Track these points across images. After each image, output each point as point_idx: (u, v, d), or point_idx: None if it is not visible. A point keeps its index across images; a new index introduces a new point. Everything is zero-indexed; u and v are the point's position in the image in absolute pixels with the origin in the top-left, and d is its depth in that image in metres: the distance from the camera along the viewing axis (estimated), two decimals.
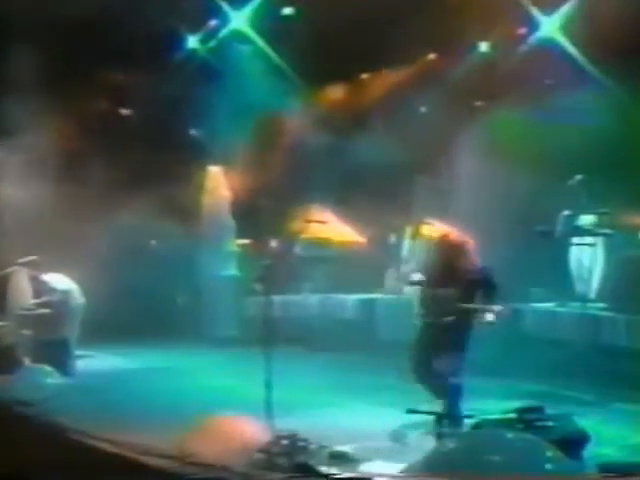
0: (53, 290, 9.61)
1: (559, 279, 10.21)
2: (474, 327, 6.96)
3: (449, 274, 6.97)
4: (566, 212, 9.95)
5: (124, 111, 14.03)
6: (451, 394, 6.69)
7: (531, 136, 10.82)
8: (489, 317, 6.82)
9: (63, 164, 12.17)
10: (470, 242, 7.11)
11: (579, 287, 10.02)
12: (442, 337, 6.84)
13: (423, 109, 12.98)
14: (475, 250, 7.11)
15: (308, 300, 12.83)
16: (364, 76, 13.50)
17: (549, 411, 5.46)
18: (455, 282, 6.91)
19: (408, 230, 12.30)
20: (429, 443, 5.20)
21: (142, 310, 12.32)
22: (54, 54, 11.29)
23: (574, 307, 9.71)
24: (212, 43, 13.38)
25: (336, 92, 13.44)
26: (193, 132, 14.33)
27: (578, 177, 9.97)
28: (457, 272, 6.94)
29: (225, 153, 13.03)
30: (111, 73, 12.77)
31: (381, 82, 13.18)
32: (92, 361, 10.64)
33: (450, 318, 6.81)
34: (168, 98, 12.82)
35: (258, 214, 13.21)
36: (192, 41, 13.39)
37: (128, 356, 11.06)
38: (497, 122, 10.99)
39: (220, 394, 8.37)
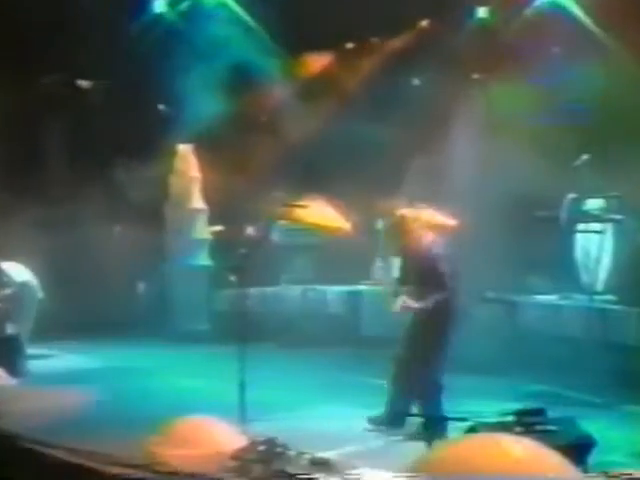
0: (8, 282, 9.51)
1: (563, 269, 10.25)
2: (449, 319, 6.97)
3: (409, 263, 7.03)
4: (571, 195, 9.98)
5: (83, 83, 13.94)
6: (428, 394, 6.73)
7: (534, 112, 10.84)
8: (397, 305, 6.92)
9: (16, 143, 12.10)
10: (448, 225, 7.16)
11: (585, 278, 10.07)
12: (414, 332, 6.87)
13: (416, 82, 12.99)
14: (452, 235, 7.15)
15: (287, 292, 12.85)
16: (350, 45, 13.48)
17: (551, 414, 5.48)
18: (413, 270, 6.96)
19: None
20: (417, 448, 5.22)
21: (103, 304, 12.30)
22: (4, 21, 11.22)
23: (579, 300, 9.77)
24: (182, 6, 13.30)
25: (319, 63, 13.41)
26: (160, 106, 14.27)
27: (585, 156, 10.00)
28: (414, 260, 6.98)
29: (196, 130, 12.98)
30: (68, 40, 12.67)
31: (369, 52, 13.17)
32: (47, 360, 10.60)
33: (418, 310, 6.82)
34: (132, 68, 12.74)
35: (232, 197, 13.18)
36: (159, 4, 13.30)
37: (88, 354, 11.04)
38: (497, 96, 11.01)
39: (189, 395, 8.37)
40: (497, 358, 8.96)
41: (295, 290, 12.76)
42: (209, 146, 12.95)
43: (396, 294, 7.14)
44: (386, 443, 6.51)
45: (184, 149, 13.47)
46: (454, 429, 5.16)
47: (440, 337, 6.95)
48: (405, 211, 7.27)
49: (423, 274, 6.97)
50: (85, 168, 12.78)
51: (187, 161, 13.46)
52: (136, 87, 12.91)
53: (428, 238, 7.11)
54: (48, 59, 12.69)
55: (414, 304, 7.01)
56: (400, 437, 6.54)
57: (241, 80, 12.93)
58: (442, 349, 6.94)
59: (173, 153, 13.43)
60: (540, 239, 9.98)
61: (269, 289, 12.85)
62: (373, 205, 12.39)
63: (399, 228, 7.16)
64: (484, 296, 10.41)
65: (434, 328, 6.93)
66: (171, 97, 13.50)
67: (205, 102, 12.67)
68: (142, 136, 12.84)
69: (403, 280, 7.25)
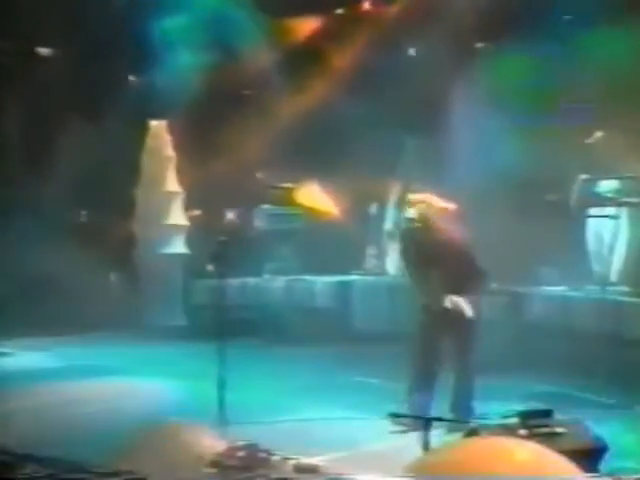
0: None
1: (574, 258, 10.31)
2: (470, 315, 7.04)
3: (428, 252, 7.05)
4: (583, 176, 10.01)
5: (44, 51, 13.89)
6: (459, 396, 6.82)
7: (542, 85, 10.85)
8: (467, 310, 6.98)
9: None
10: (449, 210, 7.20)
11: (597, 267, 10.13)
12: (437, 329, 6.94)
13: (412, 52, 12.98)
14: (458, 220, 7.20)
15: (271, 283, 12.89)
16: (339, 11, 13.47)
17: (559, 415, 5.52)
18: (435, 262, 7.00)
19: (393, 199, 12.34)
20: (413, 454, 5.26)
21: (68, 297, 12.28)
22: None
23: (591, 291, 9.82)
24: None
25: (305, 30, 13.39)
26: (130, 78, 14.24)
27: (598, 134, 10.03)
28: (436, 249, 7.02)
29: (170, 105, 12.97)
30: (24, 3, 12.60)
31: (360, 18, 13.16)
32: (5, 359, 10.60)
33: (442, 306, 6.89)
34: (98, 36, 12.69)
35: (211, 179, 13.18)
36: None
37: (50, 352, 11.03)
38: (501, 67, 11.01)
39: (164, 397, 8.39)
40: (500, 355, 8.97)
41: (280, 281, 12.80)
42: (185, 122, 12.91)
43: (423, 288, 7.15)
44: (379, 448, 6.55)
45: (157, 125, 13.45)
46: (453, 432, 5.20)
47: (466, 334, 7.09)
48: (428, 197, 7.33)
49: (459, 264, 7.02)
50: (44, 145, 12.73)
51: (160, 139, 13.44)
52: (103, 55, 12.86)
53: (452, 220, 7.18)
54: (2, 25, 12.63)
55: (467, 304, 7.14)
56: (394, 442, 6.57)
57: (220, 45, 12.89)
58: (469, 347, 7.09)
59: (145, 130, 13.42)
60: (549, 225, 10.02)
61: (251, 280, 12.89)
62: (366, 188, 12.43)
63: (426, 216, 7.19)
64: (488, 288, 10.45)
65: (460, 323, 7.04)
66: (142, 66, 13.48)
67: (180, 71, 12.65)
68: (110, 111, 12.81)
69: (422, 272, 7.23)
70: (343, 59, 13.02)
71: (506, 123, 10.41)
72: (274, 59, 13.23)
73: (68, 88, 12.96)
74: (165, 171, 13.39)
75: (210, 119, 12.92)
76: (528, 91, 10.79)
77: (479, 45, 12.21)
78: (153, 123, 13.43)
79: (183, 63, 12.77)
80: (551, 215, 10.02)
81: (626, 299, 9.38)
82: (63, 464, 4.82)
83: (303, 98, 12.65)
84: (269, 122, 12.67)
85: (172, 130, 13.34)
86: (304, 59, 13.11)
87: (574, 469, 4.42)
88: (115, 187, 12.92)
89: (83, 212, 14.00)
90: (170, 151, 13.42)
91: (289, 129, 12.47)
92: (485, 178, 10.14)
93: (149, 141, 13.47)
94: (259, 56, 13.21)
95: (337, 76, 12.67)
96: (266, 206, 13.32)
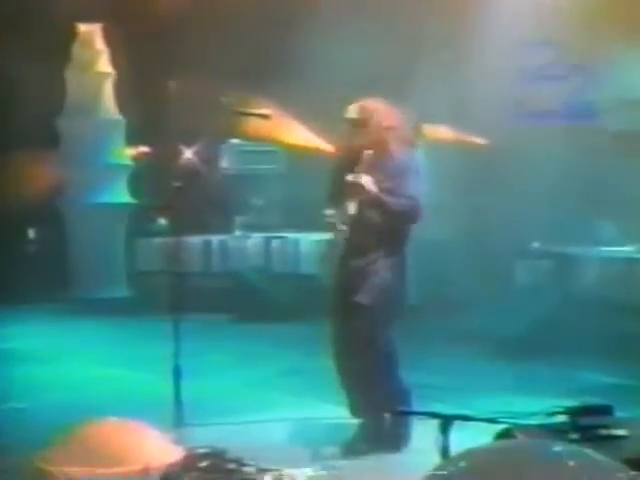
0: None
1: None
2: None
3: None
4: None
5: None
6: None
7: None
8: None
9: None
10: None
11: None
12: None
13: None
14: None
15: (243, 242, 12.89)
16: None
17: (620, 413, 5.53)
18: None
19: None
20: (427, 461, 5.25)
21: None
22: None
23: None
24: None
25: None
26: None
27: None
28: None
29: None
30: None
31: None
32: None
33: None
34: None
35: (162, 103, 13.10)
36: None
37: None
38: None
39: (101, 389, 8.36)
40: (543, 336, 9.03)
41: (254, 239, 12.80)
42: (126, 26, 12.82)
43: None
44: (376, 455, 6.56)
45: (87, 30, 13.35)
46: (481, 434, 5.18)
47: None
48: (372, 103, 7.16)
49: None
50: None
51: (92, 49, 13.35)
52: None
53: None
54: None
55: None
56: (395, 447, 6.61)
57: None
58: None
59: (71, 36, 13.31)
60: (611, 166, 10.03)
61: (216, 238, 12.91)
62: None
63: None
64: (528, 248, 10.47)
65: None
66: None
67: None
68: (21, 12, 12.68)
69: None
70: None
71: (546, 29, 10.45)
72: None
73: None
74: (99, 92, 13.34)
75: (158, 20, 12.80)
76: None
77: None
78: (82, 27, 13.32)
79: None
80: (616, 153, 10.02)
81: None
82: None
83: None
84: (239, 26, 12.55)
85: (108, 36, 13.23)
86: None
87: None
88: (31, 116, 12.81)
89: None
90: (106, 65, 13.35)
91: (266, 37, 12.39)
92: (522, 103, 10.14)
93: (76, 51, 13.35)
94: None
95: None
96: (235, 141, 13.27)
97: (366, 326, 6.71)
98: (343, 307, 6.85)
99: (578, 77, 10.78)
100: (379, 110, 6.93)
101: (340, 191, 6.85)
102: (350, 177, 6.68)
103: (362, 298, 6.69)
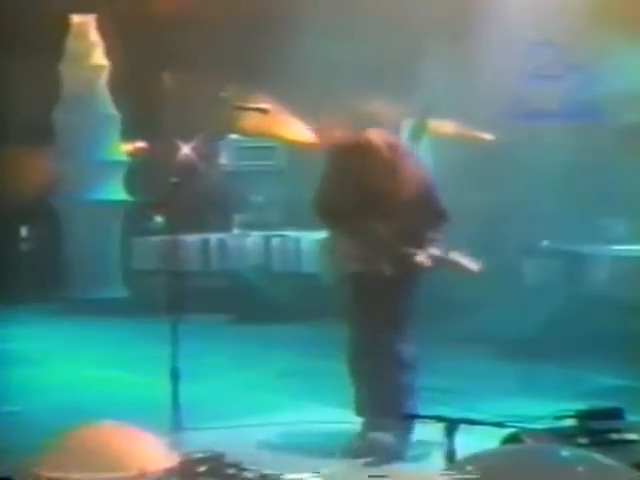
0: None
1: None
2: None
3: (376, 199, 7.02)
4: None
5: None
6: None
7: None
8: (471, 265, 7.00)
9: None
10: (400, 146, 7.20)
11: None
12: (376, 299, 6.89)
13: None
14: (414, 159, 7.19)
15: (242, 241, 12.90)
16: None
17: (631, 417, 5.54)
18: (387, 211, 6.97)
19: (406, 126, 12.29)
20: (433, 465, 5.27)
21: None
22: None
23: None
24: None
25: None
26: None
27: None
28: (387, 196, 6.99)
29: None
30: None
31: None
32: None
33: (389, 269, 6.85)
34: None
35: (159, 98, 13.12)
36: None
37: None
38: None
39: (97, 392, 8.40)
40: (551, 337, 9.03)
41: (253, 238, 12.81)
42: (121, 17, 12.84)
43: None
44: (379, 459, 6.58)
45: (81, 21, 13.37)
46: (487, 438, 5.19)
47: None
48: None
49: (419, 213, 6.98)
50: None
51: (87, 40, 13.36)
52: None
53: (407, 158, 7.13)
54: None
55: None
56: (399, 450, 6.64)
57: None
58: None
59: (64, 28, 13.32)
60: (621, 161, 10.02)
61: (215, 236, 12.91)
62: (368, 112, 12.37)
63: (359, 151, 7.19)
64: (536, 246, 10.47)
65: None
66: None
67: None
68: (16, 5, 12.70)
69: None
70: None
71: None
72: None
73: None
74: (94, 86, 13.34)
75: (156, 13, 12.81)
76: None
77: None
78: (76, 18, 13.35)
79: None
80: (626, 147, 10.03)
81: None
82: None
83: None
84: (238, 19, 12.58)
85: (103, 28, 13.25)
86: None
87: None
88: (24, 110, 12.82)
89: None
90: (101, 58, 13.35)
91: (265, 31, 12.39)
92: (532, 96, 10.14)
93: (71, 44, 13.37)
94: None
95: None
96: (234, 136, 13.27)
97: (381, 327, 6.77)
98: (357, 307, 6.91)
99: (579, 76, 10.82)
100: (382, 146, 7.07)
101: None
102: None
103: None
